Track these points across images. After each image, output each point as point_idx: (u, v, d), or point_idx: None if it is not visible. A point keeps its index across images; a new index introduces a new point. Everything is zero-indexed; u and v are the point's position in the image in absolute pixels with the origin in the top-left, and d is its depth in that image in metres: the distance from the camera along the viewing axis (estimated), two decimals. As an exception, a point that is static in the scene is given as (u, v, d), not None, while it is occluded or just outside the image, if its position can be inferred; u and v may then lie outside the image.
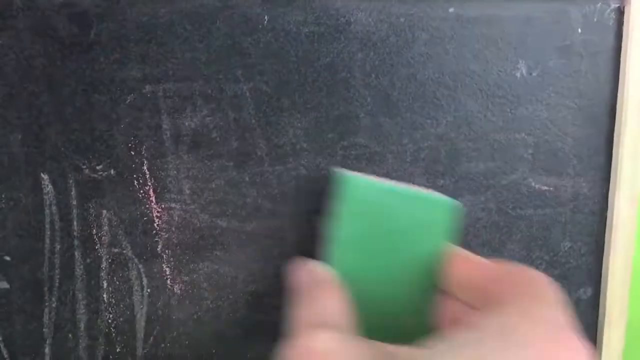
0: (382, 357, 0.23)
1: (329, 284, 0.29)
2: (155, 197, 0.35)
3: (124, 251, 0.35)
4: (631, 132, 0.38)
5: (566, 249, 0.40)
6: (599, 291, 0.41)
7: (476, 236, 0.39)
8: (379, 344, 0.25)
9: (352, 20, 0.35)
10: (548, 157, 0.38)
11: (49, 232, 0.34)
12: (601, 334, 0.41)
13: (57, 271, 0.34)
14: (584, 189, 0.39)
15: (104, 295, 0.35)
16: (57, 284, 0.34)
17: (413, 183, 0.37)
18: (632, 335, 0.42)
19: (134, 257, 0.36)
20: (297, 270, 0.30)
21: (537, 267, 0.40)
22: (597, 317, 0.41)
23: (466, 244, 0.38)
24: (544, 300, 0.24)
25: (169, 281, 0.36)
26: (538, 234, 0.39)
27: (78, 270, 0.35)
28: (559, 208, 0.39)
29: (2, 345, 0.34)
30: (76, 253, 0.34)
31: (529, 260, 0.39)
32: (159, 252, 0.36)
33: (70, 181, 0.34)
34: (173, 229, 0.35)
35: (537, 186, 0.39)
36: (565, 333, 0.22)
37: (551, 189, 0.39)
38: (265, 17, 0.34)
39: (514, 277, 0.26)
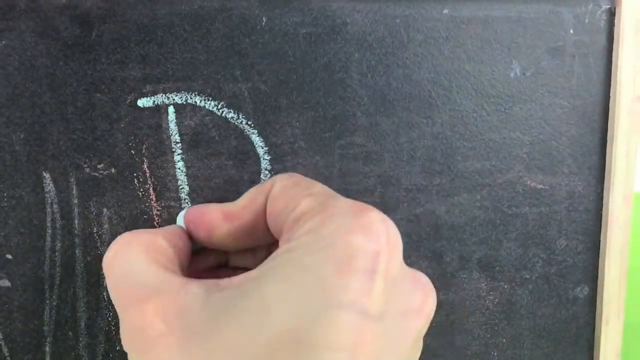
0: None
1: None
2: (155, 196, 0.35)
3: (124, 250, 0.36)
4: (624, 131, 0.39)
5: (562, 247, 0.40)
6: (596, 289, 0.41)
7: (472, 234, 0.39)
8: None
9: (348, 21, 0.36)
10: (543, 155, 0.39)
11: (50, 230, 0.34)
12: (599, 332, 0.41)
13: (58, 269, 0.35)
14: (578, 187, 0.40)
15: (104, 294, 0.35)
16: (58, 282, 0.35)
17: (410, 181, 0.38)
18: (630, 333, 0.42)
19: (134, 255, 0.36)
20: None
21: (533, 265, 0.40)
22: (594, 315, 0.41)
23: (462, 242, 0.39)
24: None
25: (168, 280, 0.37)
26: (534, 232, 0.40)
27: (79, 268, 0.35)
28: (554, 206, 0.40)
29: (2, 343, 0.35)
30: (77, 251, 0.35)
31: (525, 258, 0.40)
32: (159, 250, 0.36)
33: (72, 180, 0.34)
34: (173, 227, 0.36)
35: (532, 184, 0.39)
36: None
37: (546, 187, 0.39)
38: (263, 19, 0.35)
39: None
